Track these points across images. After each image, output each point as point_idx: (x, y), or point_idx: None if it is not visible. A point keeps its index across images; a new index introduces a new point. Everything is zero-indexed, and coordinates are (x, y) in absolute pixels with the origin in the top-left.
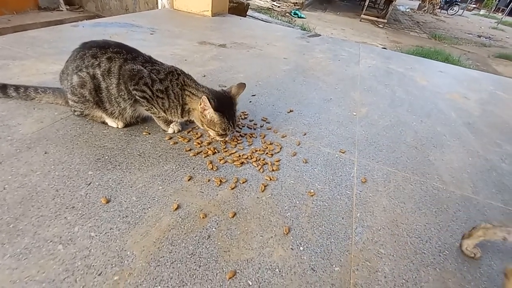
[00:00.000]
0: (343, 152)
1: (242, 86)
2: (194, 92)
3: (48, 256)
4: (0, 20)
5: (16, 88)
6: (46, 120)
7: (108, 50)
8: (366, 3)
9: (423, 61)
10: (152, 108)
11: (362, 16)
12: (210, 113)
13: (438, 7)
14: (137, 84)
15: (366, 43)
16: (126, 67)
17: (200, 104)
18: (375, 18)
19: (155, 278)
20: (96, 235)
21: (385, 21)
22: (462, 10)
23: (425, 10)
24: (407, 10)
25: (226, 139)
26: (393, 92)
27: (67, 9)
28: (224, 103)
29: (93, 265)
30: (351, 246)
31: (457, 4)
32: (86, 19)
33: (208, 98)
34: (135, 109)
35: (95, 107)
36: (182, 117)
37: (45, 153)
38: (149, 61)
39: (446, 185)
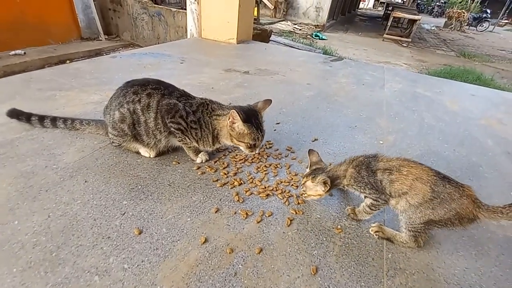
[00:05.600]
0: None
1: (268, 102)
2: (220, 113)
3: (85, 287)
4: (47, 50)
5: (64, 120)
6: (87, 149)
7: (148, 87)
8: (389, 23)
9: (453, 83)
10: (185, 138)
11: (385, 35)
12: (239, 125)
13: (466, 24)
14: (173, 117)
15: (390, 62)
16: (163, 102)
17: (229, 119)
18: (399, 37)
19: None
20: (129, 267)
21: (409, 39)
22: (493, 26)
23: (451, 27)
24: (433, 28)
25: (256, 151)
26: (422, 118)
27: (105, 38)
28: (250, 115)
29: None
30: None
31: (486, 20)
32: (122, 47)
33: (236, 111)
34: (169, 140)
35: (132, 140)
36: (213, 144)
37: (85, 182)
38: (183, 94)
39: (486, 223)
